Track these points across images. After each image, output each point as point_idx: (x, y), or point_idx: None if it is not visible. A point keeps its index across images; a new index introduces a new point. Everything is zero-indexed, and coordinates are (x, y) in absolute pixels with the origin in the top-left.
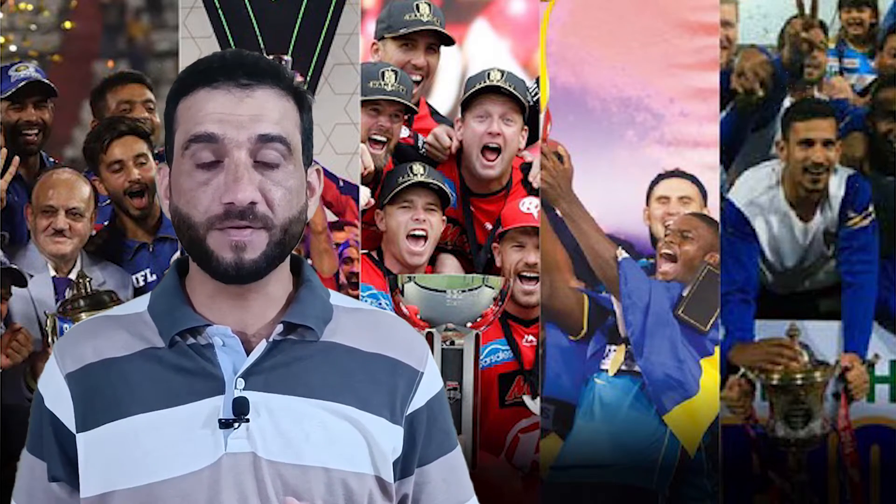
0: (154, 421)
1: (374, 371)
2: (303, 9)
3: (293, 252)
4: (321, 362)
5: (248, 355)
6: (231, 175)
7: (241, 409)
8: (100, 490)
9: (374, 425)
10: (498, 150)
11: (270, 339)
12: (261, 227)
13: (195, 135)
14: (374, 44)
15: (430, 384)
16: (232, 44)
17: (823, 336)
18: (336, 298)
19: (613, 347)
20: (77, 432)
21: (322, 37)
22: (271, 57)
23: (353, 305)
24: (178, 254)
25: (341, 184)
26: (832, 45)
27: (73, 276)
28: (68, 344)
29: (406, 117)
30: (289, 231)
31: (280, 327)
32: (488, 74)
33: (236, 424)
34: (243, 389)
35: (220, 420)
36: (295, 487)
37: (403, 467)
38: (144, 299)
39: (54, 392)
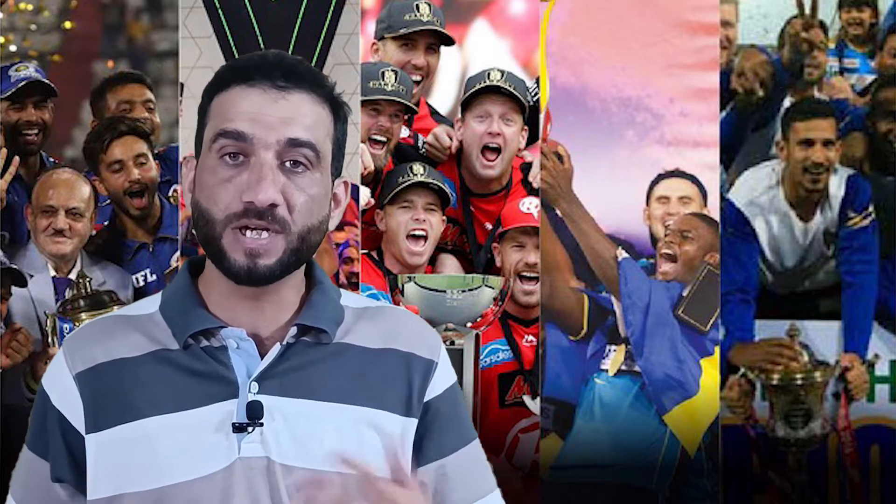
0: (166, 424)
1: (388, 367)
2: (303, 9)
3: None
4: (334, 365)
5: (261, 358)
6: (255, 174)
7: (254, 413)
8: (109, 493)
9: (390, 423)
10: (498, 150)
11: (284, 343)
12: (278, 230)
13: (225, 130)
14: (374, 44)
15: (445, 374)
16: (232, 44)
17: (823, 336)
18: (346, 298)
19: (613, 347)
20: (86, 433)
21: (322, 37)
22: None
23: (361, 304)
24: (178, 254)
25: None
26: (832, 45)
27: (73, 276)
28: (77, 343)
29: (406, 117)
30: (306, 240)
31: (293, 330)
32: (488, 74)
33: (250, 428)
34: (257, 393)
35: (233, 424)
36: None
37: (421, 455)
38: (155, 299)
39: (62, 391)
